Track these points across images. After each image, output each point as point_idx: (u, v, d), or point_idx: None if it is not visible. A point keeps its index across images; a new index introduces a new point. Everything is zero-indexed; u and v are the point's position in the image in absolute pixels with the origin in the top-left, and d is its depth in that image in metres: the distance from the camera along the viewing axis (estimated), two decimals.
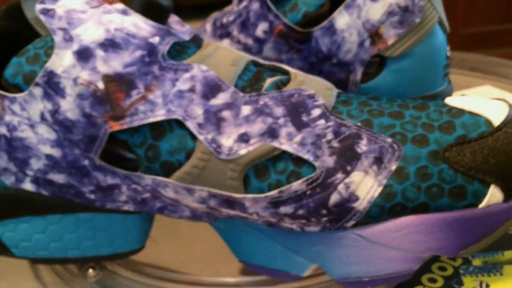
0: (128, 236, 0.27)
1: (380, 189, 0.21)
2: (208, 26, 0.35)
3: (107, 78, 0.21)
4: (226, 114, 0.22)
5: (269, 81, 0.25)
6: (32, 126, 0.22)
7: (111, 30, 0.21)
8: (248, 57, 0.26)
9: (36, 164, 0.24)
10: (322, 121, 0.22)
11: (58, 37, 0.21)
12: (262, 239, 0.24)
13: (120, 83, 0.21)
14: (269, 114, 0.22)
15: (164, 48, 0.22)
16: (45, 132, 0.22)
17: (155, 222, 0.32)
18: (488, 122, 0.22)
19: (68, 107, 0.21)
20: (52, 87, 0.21)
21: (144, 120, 0.21)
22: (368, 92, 0.33)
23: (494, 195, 0.21)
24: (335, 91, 0.24)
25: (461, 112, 0.23)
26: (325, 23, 0.31)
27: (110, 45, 0.21)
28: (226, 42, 0.34)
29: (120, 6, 0.23)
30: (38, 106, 0.22)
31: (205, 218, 0.25)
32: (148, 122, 0.21)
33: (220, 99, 0.22)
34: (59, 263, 0.27)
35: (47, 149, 0.23)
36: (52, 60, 0.21)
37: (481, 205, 0.21)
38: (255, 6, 0.32)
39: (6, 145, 0.23)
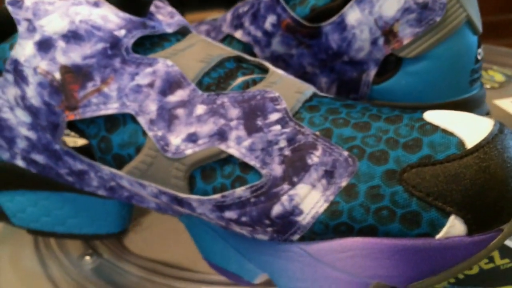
0: (107, 219, 0.28)
1: (326, 205, 0.20)
2: (229, 15, 0.35)
3: (64, 69, 0.22)
4: (179, 112, 0.22)
5: (240, 80, 0.24)
6: (11, 108, 0.24)
7: (76, 22, 0.22)
8: (230, 52, 0.25)
9: (20, 144, 0.25)
10: (277, 127, 0.21)
11: (22, 28, 0.22)
12: (218, 240, 0.24)
13: (76, 74, 0.22)
14: (223, 115, 0.21)
15: (128, 42, 0.22)
16: (22, 115, 0.24)
17: (161, 217, 0.33)
18: (460, 144, 0.19)
19: (31, 94, 0.22)
20: (18, 74, 0.22)
21: (96, 112, 0.22)
22: (381, 94, 0.30)
23: (454, 226, 0.19)
24: (306, 95, 0.23)
25: (434, 129, 0.20)
26: (334, 18, 0.29)
27: (72, 36, 0.22)
28: (239, 33, 0.33)
29: None
30: (11, 91, 0.23)
31: (170, 211, 0.25)
32: (100, 115, 0.22)
33: (177, 96, 0.22)
34: (50, 236, 0.29)
35: (24, 131, 0.24)
36: (16, 49, 0.22)
37: (438, 236, 0.19)
38: None
39: None
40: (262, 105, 0.22)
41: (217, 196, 0.21)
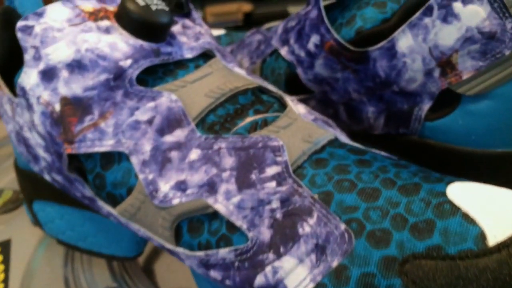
0: (122, 242, 0.27)
1: (311, 286, 0.17)
2: (280, 27, 0.32)
3: (64, 101, 0.21)
4: (173, 155, 0.20)
5: (248, 119, 0.21)
6: (30, 129, 0.24)
7: (82, 51, 0.21)
8: (250, 83, 0.23)
9: (42, 162, 0.25)
10: (272, 184, 0.19)
11: (28, 56, 0.21)
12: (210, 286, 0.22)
13: (76, 107, 0.21)
14: (216, 163, 0.19)
15: (133, 73, 0.21)
16: (37, 137, 0.24)
17: None
18: (480, 237, 0.15)
19: (37, 122, 0.22)
20: (26, 101, 0.22)
21: (90, 148, 0.21)
22: (434, 133, 0.26)
23: None
24: (316, 144, 0.20)
25: (453, 211, 0.16)
26: (383, 43, 0.25)
27: (76, 66, 0.21)
28: (284, 50, 0.30)
29: (106, 23, 0.22)
30: (25, 114, 0.23)
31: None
32: (94, 151, 0.21)
33: (175, 136, 0.20)
34: (75, 250, 0.29)
35: (41, 153, 0.24)
36: (22, 77, 0.22)
37: None
38: (313, 14, 0.28)
39: (22, 140, 0.26)
40: (261, 155, 0.19)
41: (201, 253, 0.19)
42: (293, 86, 0.31)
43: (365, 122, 0.29)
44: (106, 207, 0.22)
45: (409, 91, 0.26)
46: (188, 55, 0.23)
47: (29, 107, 0.22)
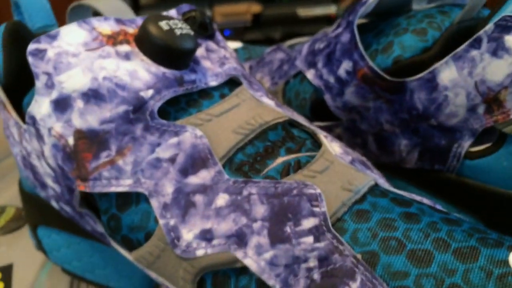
0: (133, 278, 0.25)
1: None
2: (306, 47, 0.30)
3: (78, 134, 0.19)
4: (198, 199, 0.18)
5: (280, 160, 0.19)
6: (38, 157, 0.22)
7: (99, 79, 0.19)
8: (280, 117, 0.21)
9: (50, 191, 0.23)
10: (309, 239, 0.17)
11: (40, 83, 0.19)
12: None
13: (91, 141, 0.19)
14: (246, 212, 0.17)
15: (155, 104, 0.19)
16: (46, 167, 0.22)
17: None
18: None
19: (48, 154, 0.20)
20: (36, 131, 0.20)
21: (106, 188, 0.19)
22: (474, 173, 0.24)
23: None
24: (357, 193, 0.18)
25: None
26: (423, 74, 0.23)
27: (93, 96, 0.19)
28: (310, 74, 0.28)
29: (126, 48, 0.20)
30: (34, 143, 0.21)
31: None
32: (110, 191, 0.19)
33: (199, 178, 0.18)
34: (81, 281, 0.27)
35: (50, 183, 0.22)
36: (32, 106, 0.20)
37: None
38: (345, 38, 0.26)
39: (29, 166, 0.24)
40: (297, 204, 0.17)
41: None
42: (319, 112, 0.29)
43: (396, 155, 0.27)
44: (121, 251, 0.20)
45: (448, 126, 0.24)
46: (213, 82, 0.21)
47: (39, 137, 0.20)
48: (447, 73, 0.23)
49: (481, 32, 0.21)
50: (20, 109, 0.24)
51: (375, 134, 0.27)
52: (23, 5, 0.27)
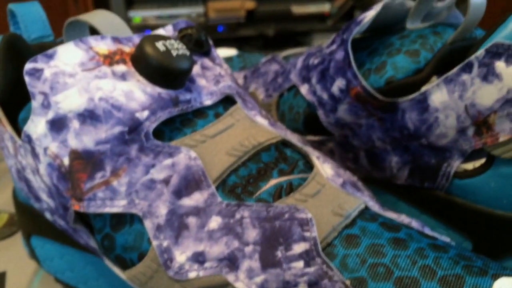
0: None
1: None
2: (300, 61, 0.31)
3: (74, 155, 0.19)
4: (191, 221, 0.18)
5: (272, 182, 0.20)
6: (33, 172, 0.22)
7: (95, 100, 0.19)
8: (273, 137, 0.21)
9: (45, 204, 0.24)
10: (300, 264, 0.17)
11: (36, 103, 0.19)
12: None
13: (86, 162, 0.19)
14: (239, 235, 0.18)
15: (150, 126, 0.20)
16: (41, 182, 0.22)
17: None
18: None
19: (43, 172, 0.20)
20: (32, 149, 0.20)
21: (100, 208, 0.19)
22: (463, 192, 0.25)
23: None
24: (347, 217, 0.18)
25: None
26: (415, 95, 0.24)
27: (89, 116, 0.19)
28: (304, 89, 0.29)
29: (122, 68, 0.20)
30: (29, 160, 0.21)
31: None
32: (105, 212, 0.19)
33: (193, 200, 0.19)
34: None
35: (45, 197, 0.23)
36: (28, 125, 0.20)
37: None
38: (339, 55, 0.26)
39: (23, 179, 0.24)
40: (288, 229, 0.18)
41: None
42: (312, 126, 0.29)
43: (387, 171, 0.27)
44: (114, 269, 0.21)
45: (438, 145, 0.24)
46: (208, 101, 0.22)
47: (35, 155, 0.20)
48: (438, 95, 0.23)
49: (472, 58, 0.22)
50: (16, 122, 0.24)
51: (366, 150, 0.27)
52: (19, 15, 0.27)
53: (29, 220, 0.28)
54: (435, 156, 0.25)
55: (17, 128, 0.24)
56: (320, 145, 0.30)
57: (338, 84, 0.26)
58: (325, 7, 1.57)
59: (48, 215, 0.24)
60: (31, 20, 0.27)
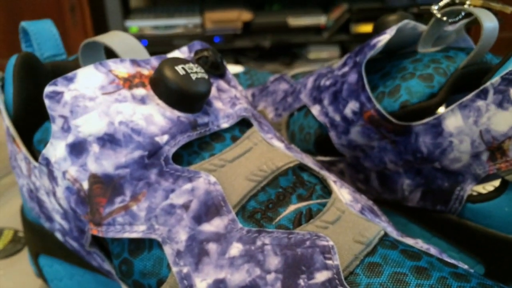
0: None
1: None
2: (310, 81, 0.31)
3: (93, 179, 0.19)
4: (212, 247, 0.18)
5: (292, 208, 0.20)
6: (47, 194, 0.22)
7: (115, 124, 0.19)
8: (291, 161, 0.21)
9: (56, 225, 0.23)
10: None
11: (56, 126, 0.19)
12: None
13: (106, 186, 0.19)
14: (260, 263, 0.18)
15: (170, 150, 0.19)
16: (55, 204, 0.22)
17: None
18: None
19: (60, 195, 0.20)
20: (49, 172, 0.20)
21: (120, 234, 0.19)
22: (476, 216, 0.25)
23: None
24: (369, 245, 0.18)
25: None
26: (429, 120, 0.24)
27: (108, 140, 0.19)
28: (316, 109, 0.29)
29: (142, 91, 0.20)
30: (45, 182, 0.21)
31: None
32: (123, 237, 0.19)
33: (213, 225, 0.19)
34: None
35: (58, 219, 0.22)
36: (47, 148, 0.20)
37: None
38: (352, 78, 0.26)
39: (35, 199, 0.24)
40: (310, 257, 0.18)
41: None
42: (323, 147, 0.29)
43: (398, 193, 0.27)
44: None
45: (451, 169, 0.24)
46: (225, 124, 0.22)
47: (52, 178, 0.20)
48: (453, 120, 0.23)
49: (487, 84, 0.22)
50: (30, 142, 0.24)
51: (378, 172, 0.28)
52: (32, 34, 0.27)
53: (37, 239, 0.28)
54: (448, 180, 0.25)
55: (31, 148, 0.24)
56: (331, 166, 0.30)
57: (351, 106, 0.26)
58: (321, 20, 1.58)
59: (59, 236, 0.24)
60: (44, 38, 0.27)
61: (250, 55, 1.64)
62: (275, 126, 0.32)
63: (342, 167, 0.29)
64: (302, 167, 0.22)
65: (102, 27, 1.52)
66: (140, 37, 1.50)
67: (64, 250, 0.26)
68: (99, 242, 0.22)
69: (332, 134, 0.28)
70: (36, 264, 0.29)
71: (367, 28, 1.54)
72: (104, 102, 0.20)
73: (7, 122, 0.23)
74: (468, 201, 0.25)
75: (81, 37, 1.50)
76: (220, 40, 1.61)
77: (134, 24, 1.50)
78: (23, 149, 0.23)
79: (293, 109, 0.31)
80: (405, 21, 0.26)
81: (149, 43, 1.51)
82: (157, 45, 1.51)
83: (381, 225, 0.20)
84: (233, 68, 0.41)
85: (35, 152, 0.23)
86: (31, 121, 0.24)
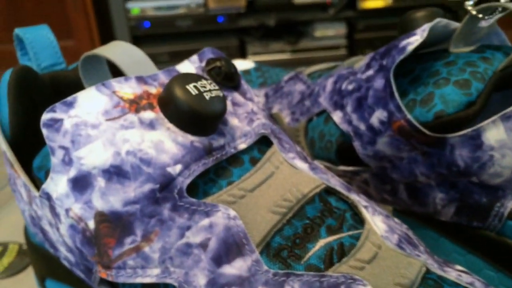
0: None
1: None
2: (330, 83, 0.28)
3: (100, 217, 0.17)
4: None
5: (322, 243, 0.18)
6: (50, 225, 0.20)
7: (122, 154, 0.17)
8: (317, 185, 0.19)
9: (62, 254, 0.22)
10: None
11: (56, 159, 0.17)
12: None
13: (114, 225, 0.17)
14: None
15: (184, 182, 0.17)
16: (60, 238, 0.20)
17: None
18: None
19: (64, 233, 0.18)
20: (51, 208, 0.18)
21: (131, 279, 0.17)
22: None
23: None
24: (412, 286, 0.16)
25: None
26: (467, 131, 0.22)
27: (115, 173, 0.17)
28: (337, 116, 0.26)
29: (150, 114, 0.18)
30: (48, 214, 0.19)
31: None
32: (135, 282, 0.17)
33: (235, 268, 0.17)
34: None
35: (63, 251, 0.21)
36: (48, 183, 0.18)
37: None
38: (378, 83, 0.24)
39: (38, 226, 0.22)
40: None
41: None
42: (346, 156, 0.27)
43: (430, 206, 0.25)
44: None
45: (491, 184, 0.22)
46: (242, 145, 0.20)
47: (55, 214, 0.18)
48: (494, 133, 0.21)
49: None
50: (29, 166, 0.22)
51: (407, 183, 0.25)
52: (28, 42, 0.25)
53: (43, 263, 0.26)
54: (487, 195, 0.23)
55: (31, 174, 0.22)
56: (354, 175, 0.27)
57: (378, 115, 0.24)
58: None
59: (65, 263, 0.22)
60: (40, 46, 0.25)
61: (255, 34, 1.61)
62: (292, 132, 0.30)
63: (367, 177, 0.27)
64: (328, 191, 0.20)
65: (103, 9, 1.48)
66: (142, 18, 1.47)
67: (72, 276, 0.24)
68: (110, 281, 0.20)
69: (357, 144, 0.25)
70: (43, 287, 0.27)
71: (374, 3, 1.50)
72: (109, 129, 0.17)
73: (3, 146, 0.21)
74: (509, 218, 0.23)
75: (82, 19, 1.47)
76: (223, 19, 1.58)
77: (136, 5, 1.47)
78: (23, 176, 0.21)
79: (311, 113, 0.29)
80: (437, 19, 0.23)
81: (151, 24, 1.47)
82: (159, 26, 1.47)
83: (422, 259, 0.18)
84: (243, 64, 0.39)
85: (35, 179, 0.21)
86: (30, 143, 0.22)
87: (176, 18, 1.49)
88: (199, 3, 1.50)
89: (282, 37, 1.59)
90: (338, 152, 0.27)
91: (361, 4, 1.50)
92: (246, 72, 0.38)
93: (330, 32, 1.56)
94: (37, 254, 0.26)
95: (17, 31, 0.25)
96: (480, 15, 0.23)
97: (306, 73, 0.33)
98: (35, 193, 0.20)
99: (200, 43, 1.47)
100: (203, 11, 1.50)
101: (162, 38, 1.47)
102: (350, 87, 0.26)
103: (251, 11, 1.54)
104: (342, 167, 0.27)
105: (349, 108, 0.26)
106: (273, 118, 0.31)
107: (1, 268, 0.31)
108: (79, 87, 0.23)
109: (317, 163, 0.22)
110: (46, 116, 0.17)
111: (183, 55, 1.36)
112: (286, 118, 0.31)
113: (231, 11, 1.53)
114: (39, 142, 0.22)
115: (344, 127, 0.26)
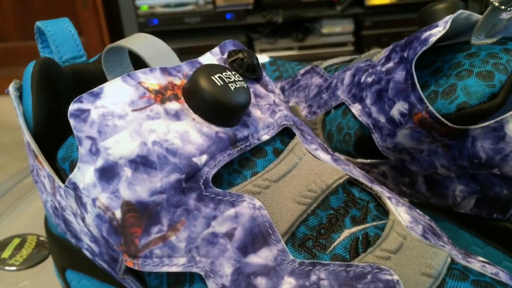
0: None
1: None
2: (348, 76, 0.28)
3: (126, 206, 0.17)
4: (261, 282, 0.17)
5: (346, 233, 0.18)
6: (74, 215, 0.20)
7: (148, 144, 0.17)
8: (340, 176, 0.19)
9: (85, 244, 0.22)
10: None
11: (83, 149, 0.17)
12: None
13: (140, 214, 0.17)
14: None
15: (209, 172, 0.18)
16: (84, 227, 0.20)
17: None
18: None
19: (90, 223, 0.18)
20: (78, 198, 0.18)
21: (158, 267, 0.17)
22: None
23: None
24: (437, 278, 0.16)
25: None
26: (490, 123, 0.21)
27: (142, 163, 0.17)
28: (356, 109, 0.26)
29: (175, 105, 0.18)
30: (73, 204, 0.19)
31: None
32: (162, 271, 0.17)
33: (261, 257, 0.17)
34: None
35: (87, 241, 0.21)
36: (75, 173, 0.18)
37: None
38: (399, 76, 0.24)
39: (61, 217, 0.22)
40: None
41: None
42: (365, 149, 0.27)
43: (449, 199, 0.25)
44: None
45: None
46: (265, 136, 0.20)
47: (81, 204, 0.18)
48: None
49: None
50: (53, 157, 0.22)
51: (426, 176, 0.25)
52: (49, 36, 0.25)
53: (64, 254, 0.26)
54: (508, 187, 0.23)
55: (55, 165, 0.22)
56: (372, 168, 0.27)
57: (399, 107, 0.24)
58: None
59: (87, 254, 0.23)
60: (62, 39, 0.25)
61: (262, 31, 1.61)
62: (310, 124, 0.30)
63: (385, 169, 0.27)
64: (351, 182, 0.20)
65: (112, 6, 1.48)
66: (150, 15, 1.47)
67: (93, 266, 0.24)
68: (134, 270, 0.20)
69: (376, 137, 0.25)
70: (63, 279, 0.27)
71: (381, 0, 1.49)
72: (135, 119, 0.18)
73: (27, 137, 0.21)
74: None
75: (92, 17, 1.47)
76: (231, 16, 1.58)
77: (144, 3, 1.47)
78: (47, 167, 0.21)
79: (329, 106, 0.29)
80: (459, 11, 0.23)
81: (160, 21, 1.48)
82: (168, 23, 1.48)
83: (447, 251, 0.18)
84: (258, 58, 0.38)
85: (59, 170, 0.21)
86: (53, 135, 0.22)
87: (185, 15, 1.49)
88: (207, 0, 1.50)
89: (289, 34, 1.59)
90: (357, 145, 0.27)
91: (369, 0, 1.50)
92: (261, 66, 0.37)
93: (337, 28, 1.56)
94: (58, 245, 0.26)
95: (39, 24, 0.25)
96: (503, 7, 0.23)
97: (322, 66, 0.33)
98: (60, 184, 0.20)
99: (208, 40, 1.47)
100: (211, 8, 1.50)
101: (170, 35, 1.47)
102: (370, 79, 0.26)
103: (259, 8, 1.54)
104: (360, 160, 0.27)
105: (368, 101, 0.26)
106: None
107: (20, 259, 0.31)
108: (100, 80, 0.23)
109: (338, 155, 0.22)
110: (73, 107, 0.18)
111: (192, 52, 1.37)
112: (304, 111, 0.31)
113: (239, 8, 1.54)
114: (63, 134, 0.22)
115: (363, 119, 0.26)
